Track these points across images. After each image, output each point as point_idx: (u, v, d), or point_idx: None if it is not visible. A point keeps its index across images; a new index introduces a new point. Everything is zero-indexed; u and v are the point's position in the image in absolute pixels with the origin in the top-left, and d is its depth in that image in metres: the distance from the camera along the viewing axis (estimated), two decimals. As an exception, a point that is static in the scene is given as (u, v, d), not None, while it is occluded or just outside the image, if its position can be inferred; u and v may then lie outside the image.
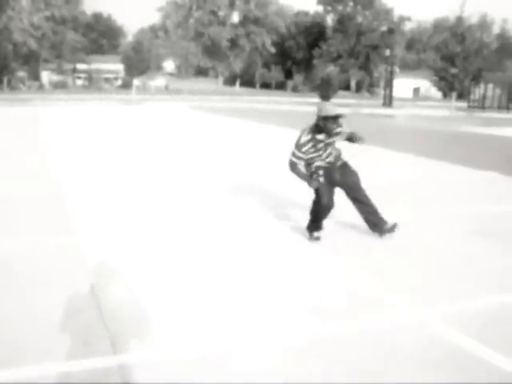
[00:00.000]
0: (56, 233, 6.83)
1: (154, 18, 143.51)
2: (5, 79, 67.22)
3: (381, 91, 68.40)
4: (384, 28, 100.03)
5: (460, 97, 75.79)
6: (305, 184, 6.58)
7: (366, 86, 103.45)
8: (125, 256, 5.96)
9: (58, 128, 21.47)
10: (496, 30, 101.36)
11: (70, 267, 5.58)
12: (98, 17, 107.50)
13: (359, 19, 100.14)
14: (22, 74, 71.99)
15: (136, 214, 7.89)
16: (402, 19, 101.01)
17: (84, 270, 5.50)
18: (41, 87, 71.52)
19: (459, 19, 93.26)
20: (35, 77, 74.28)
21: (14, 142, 16.55)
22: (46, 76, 76.09)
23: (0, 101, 40.86)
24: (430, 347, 4.02)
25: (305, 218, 6.86)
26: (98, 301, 4.74)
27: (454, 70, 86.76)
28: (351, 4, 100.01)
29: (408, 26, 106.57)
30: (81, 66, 78.75)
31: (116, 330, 4.20)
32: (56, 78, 76.16)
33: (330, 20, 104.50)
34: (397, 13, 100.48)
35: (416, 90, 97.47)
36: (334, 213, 6.78)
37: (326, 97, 60.64)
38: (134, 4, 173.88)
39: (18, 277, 5.33)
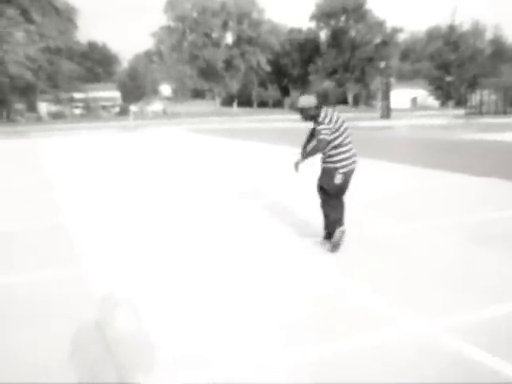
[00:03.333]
0: (60, 265, 6.76)
1: (148, 44, 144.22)
2: (3, 112, 67.54)
3: (378, 103, 68.60)
4: (378, 40, 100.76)
5: (457, 104, 75.94)
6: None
7: (363, 99, 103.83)
8: (130, 286, 5.88)
9: (59, 159, 21.45)
10: (489, 36, 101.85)
11: (74, 299, 5.51)
12: (92, 45, 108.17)
13: (352, 33, 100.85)
14: (19, 106, 72.36)
15: (140, 242, 7.83)
16: (395, 31, 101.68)
17: (89, 301, 5.43)
18: (39, 118, 71.81)
19: (451, 28, 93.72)
20: (33, 108, 74.62)
21: (15, 175, 16.53)
22: (43, 107, 76.40)
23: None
24: (434, 359, 3.94)
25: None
26: (103, 333, 4.67)
27: (449, 78, 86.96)
28: (343, 19, 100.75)
29: (401, 37, 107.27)
30: (78, 95, 79.06)
31: (123, 362, 4.14)
32: (54, 108, 76.52)
33: (323, 35, 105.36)
34: (389, 25, 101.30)
35: (413, 100, 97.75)
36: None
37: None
38: (128, 31, 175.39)
39: (19, 311, 5.26)
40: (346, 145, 6.73)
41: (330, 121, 6.64)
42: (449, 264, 6.22)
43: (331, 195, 6.86)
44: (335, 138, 6.65)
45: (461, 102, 73.47)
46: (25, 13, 66.77)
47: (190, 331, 4.65)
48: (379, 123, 43.74)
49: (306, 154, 6.83)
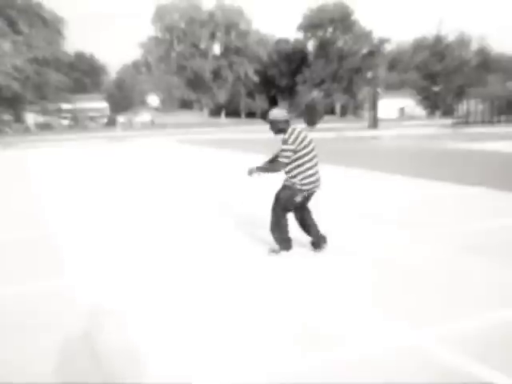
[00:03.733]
0: (48, 276, 6.71)
1: (136, 54, 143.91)
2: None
3: (366, 113, 68.80)
4: (365, 51, 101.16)
5: (444, 114, 76.40)
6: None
7: (351, 109, 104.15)
8: (118, 296, 5.84)
9: (46, 170, 21.34)
10: (474, 46, 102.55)
11: (62, 310, 5.46)
12: (80, 56, 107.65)
13: (340, 44, 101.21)
14: (7, 117, 71.86)
15: (127, 252, 7.79)
16: (382, 41, 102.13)
17: (77, 312, 5.38)
18: (26, 129, 71.46)
19: (437, 38, 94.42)
20: (20, 119, 74.16)
21: (1, 186, 16.44)
22: (31, 118, 76.00)
23: (-14, 145, 40.76)
24: (429, 370, 3.92)
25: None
26: (91, 344, 4.63)
27: (436, 88, 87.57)
28: (330, 29, 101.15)
29: (388, 48, 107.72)
30: (66, 106, 78.66)
31: (110, 373, 4.10)
32: (41, 119, 76.12)
33: (310, 46, 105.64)
34: (376, 35, 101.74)
35: (401, 110, 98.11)
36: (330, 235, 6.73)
37: (312, 123, 60.84)
38: (116, 41, 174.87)
39: (7, 322, 5.22)
40: (311, 168, 6.83)
41: (295, 140, 6.72)
42: (440, 273, 6.22)
43: (280, 206, 7.01)
44: (299, 157, 6.75)
45: (448, 112, 73.97)
46: (13, 24, 66.60)
47: (178, 343, 4.62)
48: (367, 133, 43.84)
49: (264, 169, 7.08)
